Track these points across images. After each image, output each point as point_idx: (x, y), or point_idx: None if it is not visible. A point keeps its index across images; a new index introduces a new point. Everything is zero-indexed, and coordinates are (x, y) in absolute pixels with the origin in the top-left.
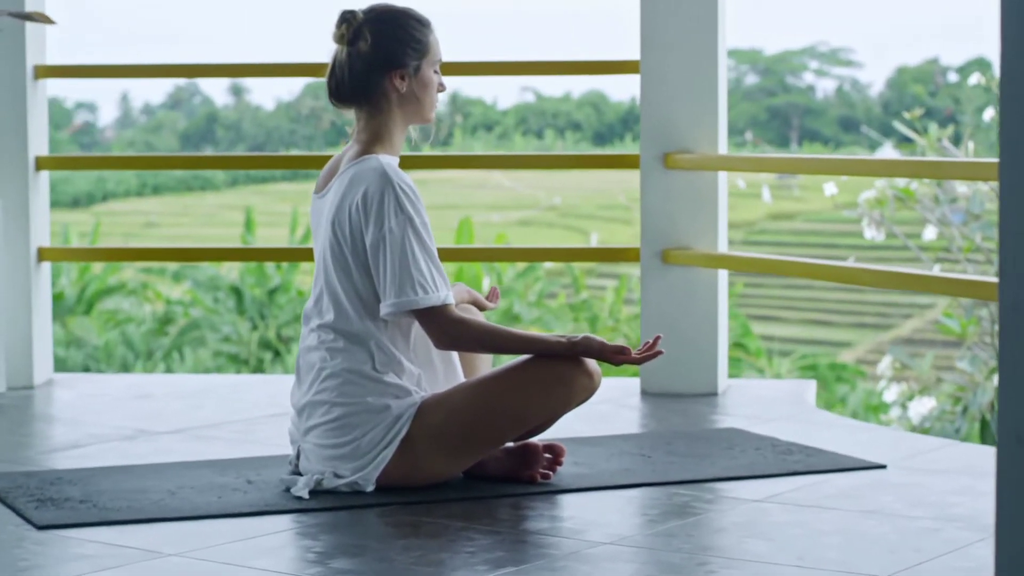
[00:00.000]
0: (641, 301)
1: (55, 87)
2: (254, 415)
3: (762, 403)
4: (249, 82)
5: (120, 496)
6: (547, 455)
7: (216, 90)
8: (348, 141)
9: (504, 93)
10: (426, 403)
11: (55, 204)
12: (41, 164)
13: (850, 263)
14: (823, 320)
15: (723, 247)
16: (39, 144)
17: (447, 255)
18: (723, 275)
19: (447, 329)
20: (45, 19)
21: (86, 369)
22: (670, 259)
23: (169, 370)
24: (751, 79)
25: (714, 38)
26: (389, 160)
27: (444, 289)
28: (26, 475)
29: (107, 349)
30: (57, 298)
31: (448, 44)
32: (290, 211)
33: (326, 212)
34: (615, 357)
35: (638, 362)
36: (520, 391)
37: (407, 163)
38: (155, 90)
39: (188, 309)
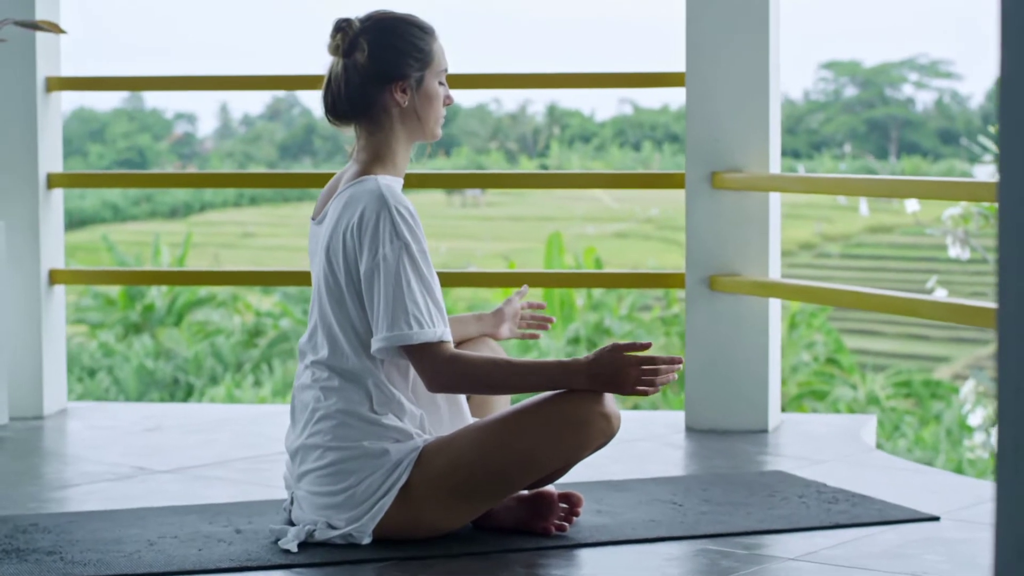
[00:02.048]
0: (686, 331)
1: (155, 98)
2: (265, 452)
3: (815, 441)
4: None
5: (93, 547)
6: (563, 505)
7: (315, 101)
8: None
9: (602, 105)
10: (428, 448)
11: (154, 215)
12: (53, 182)
13: (901, 293)
14: (920, 335)
15: (774, 274)
16: (52, 160)
17: (473, 280)
18: (775, 304)
19: (441, 369)
20: (55, 28)
21: (175, 381)
22: (717, 286)
23: (258, 383)
24: (850, 91)
25: (765, 49)
26: (388, 182)
27: (440, 325)
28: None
29: (196, 361)
30: (147, 309)
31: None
32: None
33: (321, 239)
34: (634, 371)
35: (654, 377)
36: (530, 436)
37: (423, 182)
38: (254, 101)
39: (277, 321)
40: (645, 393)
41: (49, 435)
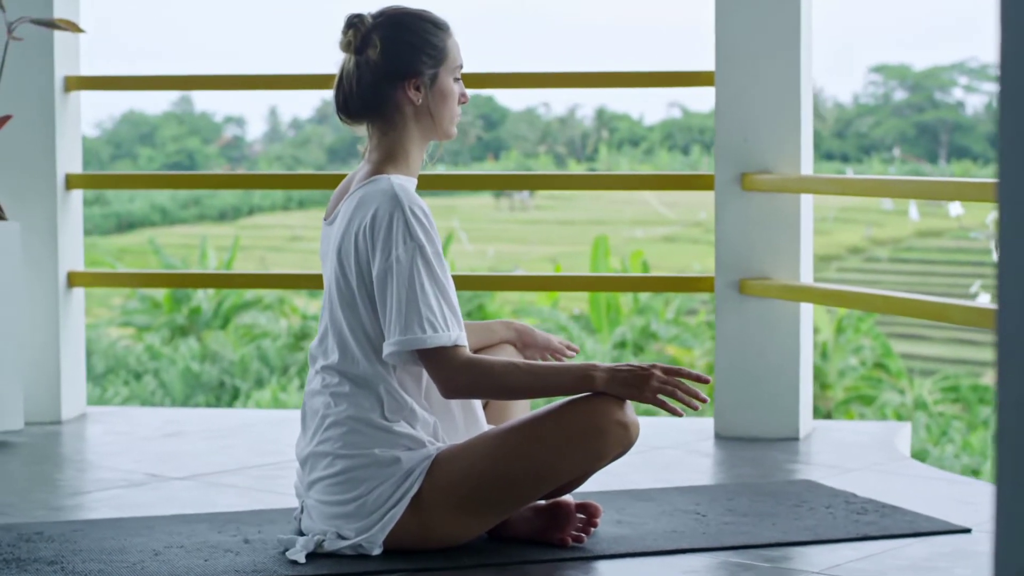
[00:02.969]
0: (716, 336)
1: (204, 101)
2: (283, 458)
3: (847, 450)
4: None
5: (96, 557)
6: (580, 515)
7: None
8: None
9: (651, 108)
10: (441, 456)
11: (202, 218)
12: (72, 182)
13: (934, 297)
14: (968, 339)
15: (806, 278)
16: (71, 160)
17: (500, 284)
18: (806, 308)
19: (456, 374)
20: (72, 27)
21: (221, 384)
22: (747, 290)
23: (302, 386)
24: (899, 95)
25: (797, 47)
26: (402, 181)
27: (455, 329)
28: (4, 528)
29: (242, 364)
30: (194, 312)
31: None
32: None
33: (332, 240)
34: (656, 375)
35: (675, 389)
36: (546, 444)
37: (441, 183)
38: (303, 104)
39: None
40: (663, 405)
41: (65, 440)
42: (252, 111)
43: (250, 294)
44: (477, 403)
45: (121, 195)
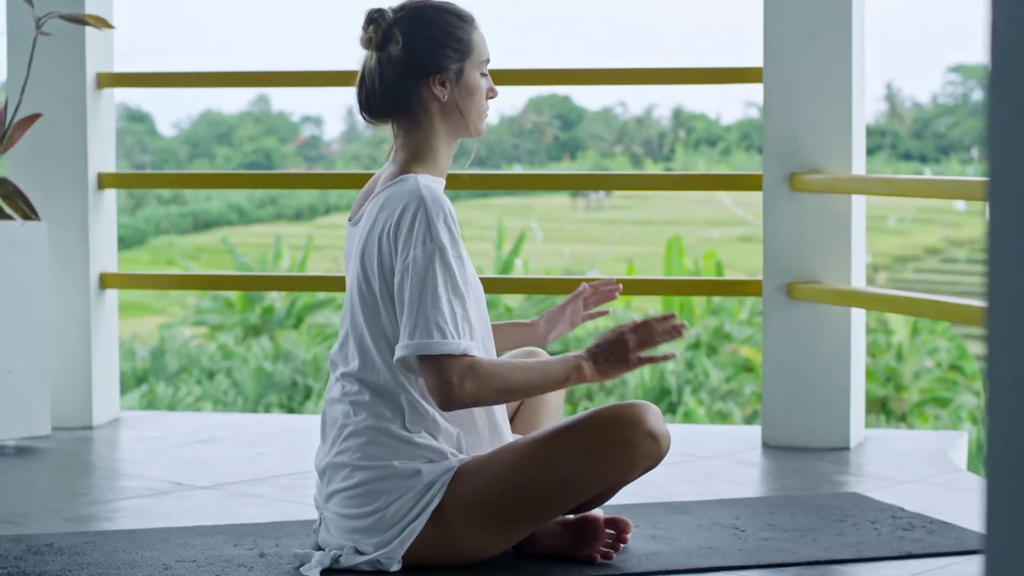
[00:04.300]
0: (763, 341)
1: (281, 100)
2: (313, 468)
3: (899, 460)
4: None
5: (104, 571)
6: (610, 530)
7: None
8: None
9: (727, 108)
10: (463, 468)
11: (279, 218)
12: (104, 182)
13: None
14: None
15: (857, 281)
16: (103, 159)
17: (548, 286)
18: (858, 313)
19: (460, 382)
20: (101, 23)
21: (293, 384)
22: (796, 294)
23: None
24: (979, 95)
25: (848, 41)
26: (428, 181)
27: (467, 338)
28: (13, 540)
29: (315, 364)
30: (267, 312)
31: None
32: (496, 225)
33: (356, 242)
34: (630, 336)
35: (652, 335)
36: (570, 458)
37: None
38: None
39: None
40: (651, 360)
41: (93, 446)
42: (329, 110)
43: (323, 294)
44: (502, 415)
45: (199, 195)
